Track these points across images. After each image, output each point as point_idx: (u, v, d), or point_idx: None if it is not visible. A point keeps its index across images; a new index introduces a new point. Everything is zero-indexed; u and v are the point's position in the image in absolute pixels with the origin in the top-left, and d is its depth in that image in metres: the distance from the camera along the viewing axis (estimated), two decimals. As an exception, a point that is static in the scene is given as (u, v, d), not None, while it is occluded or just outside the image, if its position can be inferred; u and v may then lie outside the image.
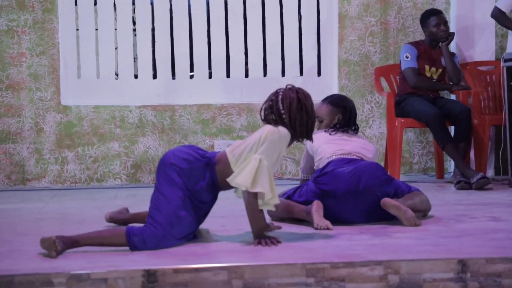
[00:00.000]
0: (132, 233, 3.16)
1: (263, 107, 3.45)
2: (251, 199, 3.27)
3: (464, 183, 5.33)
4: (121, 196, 5.29)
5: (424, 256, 3.03)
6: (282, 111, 3.38)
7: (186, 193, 3.27)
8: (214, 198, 3.41)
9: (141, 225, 3.25)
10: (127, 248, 3.16)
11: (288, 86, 3.48)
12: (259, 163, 3.26)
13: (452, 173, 5.91)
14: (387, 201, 3.76)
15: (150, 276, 2.86)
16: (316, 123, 4.24)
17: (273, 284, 2.91)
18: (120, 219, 3.83)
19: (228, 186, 3.36)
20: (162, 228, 3.19)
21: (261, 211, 3.34)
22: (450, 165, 6.23)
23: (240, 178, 3.26)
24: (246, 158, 3.30)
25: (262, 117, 3.44)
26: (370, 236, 3.54)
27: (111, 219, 3.86)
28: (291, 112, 3.38)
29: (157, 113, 6.12)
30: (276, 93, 3.47)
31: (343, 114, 4.19)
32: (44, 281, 2.79)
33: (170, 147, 6.08)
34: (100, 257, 3.06)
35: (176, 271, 2.88)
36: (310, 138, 3.48)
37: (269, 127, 3.36)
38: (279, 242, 3.32)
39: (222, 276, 2.89)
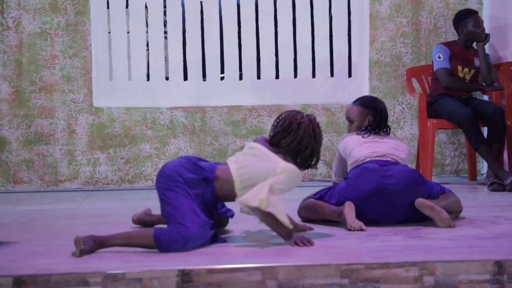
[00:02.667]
0: (160, 234, 3.16)
1: (278, 129, 3.43)
2: (264, 213, 3.26)
3: (497, 185, 5.28)
4: (152, 198, 5.30)
5: (460, 257, 3.00)
6: (299, 147, 3.40)
7: (192, 196, 3.28)
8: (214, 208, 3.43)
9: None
10: (155, 249, 3.17)
11: (308, 120, 3.44)
12: (270, 186, 3.26)
13: (485, 175, 5.85)
14: (421, 202, 3.74)
15: (185, 276, 2.86)
16: (347, 124, 4.24)
17: (307, 284, 2.90)
18: (148, 220, 3.84)
19: (228, 199, 3.38)
20: (186, 227, 3.19)
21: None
22: (482, 166, 6.17)
23: (251, 198, 3.26)
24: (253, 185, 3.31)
25: (272, 135, 3.43)
26: (404, 237, 3.51)
27: (138, 220, 3.87)
28: (306, 150, 3.41)
29: (188, 114, 6.14)
30: (298, 123, 3.43)
31: (374, 116, 4.16)
32: (80, 281, 2.80)
33: (201, 149, 6.10)
34: (134, 257, 3.07)
35: (211, 271, 2.88)
36: (306, 168, 3.48)
37: (287, 164, 3.35)
38: (311, 243, 3.31)
39: (256, 277, 2.88)
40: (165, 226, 3.32)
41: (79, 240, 3.05)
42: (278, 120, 3.49)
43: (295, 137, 3.41)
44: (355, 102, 4.28)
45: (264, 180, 3.29)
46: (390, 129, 4.23)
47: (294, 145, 3.41)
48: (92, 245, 3.09)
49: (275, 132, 3.45)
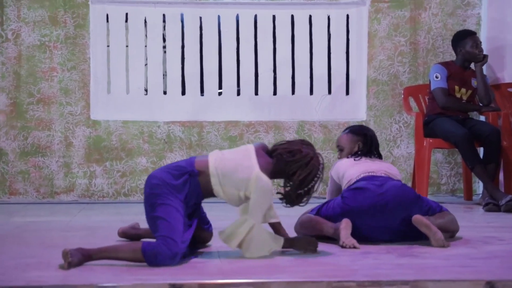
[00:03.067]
0: (148, 248, 3.15)
1: (286, 154, 3.43)
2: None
3: (492, 205, 5.28)
4: (147, 211, 5.29)
5: (452, 276, 3.00)
6: (301, 182, 3.41)
7: (178, 202, 3.29)
8: (197, 204, 3.45)
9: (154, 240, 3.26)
10: (144, 263, 3.16)
11: (319, 161, 3.46)
12: (250, 229, 3.32)
13: (480, 195, 5.85)
14: (418, 219, 3.73)
15: (176, 290, 2.86)
16: (338, 152, 4.28)
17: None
18: (133, 234, 3.83)
19: (210, 195, 3.41)
20: (174, 241, 3.18)
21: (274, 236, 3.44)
22: (478, 186, 6.18)
23: (233, 242, 3.34)
24: (225, 185, 3.34)
25: (279, 155, 3.44)
26: (396, 255, 3.51)
27: (124, 234, 3.86)
28: (304, 185, 3.43)
29: (185, 129, 6.15)
30: (309, 159, 3.43)
31: (363, 142, 4.20)
32: (70, 293, 2.80)
33: (198, 163, 6.10)
34: (126, 270, 3.06)
35: (202, 286, 2.88)
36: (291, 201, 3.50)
37: (260, 176, 3.35)
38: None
39: (247, 292, 2.88)
40: (151, 239, 3.32)
41: (67, 253, 3.05)
42: (293, 149, 3.46)
43: (302, 172, 3.41)
44: (344, 131, 4.32)
45: (236, 180, 3.32)
46: (381, 156, 4.25)
47: (299, 179, 3.41)
48: (80, 257, 3.09)
49: (285, 158, 3.44)
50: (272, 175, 3.42)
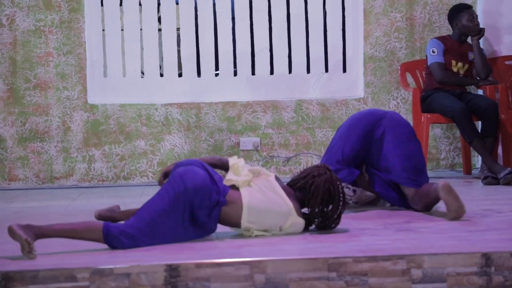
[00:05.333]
0: (109, 230, 3.12)
1: (307, 185, 3.43)
2: None
3: (491, 178, 5.28)
4: (147, 194, 5.25)
5: (448, 250, 3.01)
6: (321, 212, 3.41)
7: (185, 209, 3.24)
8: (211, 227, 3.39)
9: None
10: (101, 244, 3.13)
11: (335, 183, 3.43)
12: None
13: (479, 169, 5.85)
14: (448, 187, 3.73)
15: (173, 271, 2.87)
16: None
17: (295, 278, 2.91)
18: (108, 216, 3.75)
19: (229, 224, 3.38)
20: (139, 228, 3.15)
21: None
22: (477, 160, 6.17)
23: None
24: (255, 222, 3.35)
25: (291, 183, 3.45)
26: (394, 231, 3.52)
27: (99, 216, 3.78)
28: (316, 211, 3.42)
29: (182, 111, 6.14)
30: (328, 188, 3.41)
31: None
32: (67, 276, 2.81)
33: (196, 145, 6.10)
34: (122, 252, 3.08)
35: (199, 265, 2.89)
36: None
37: (297, 221, 3.38)
38: None
39: (244, 271, 2.89)
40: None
41: (29, 242, 2.95)
42: (307, 178, 3.45)
43: (325, 198, 3.40)
44: None
45: (269, 221, 3.33)
46: None
47: (326, 206, 3.41)
48: (33, 237, 3.03)
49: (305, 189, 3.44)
50: (301, 206, 3.44)
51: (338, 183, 3.42)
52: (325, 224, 3.43)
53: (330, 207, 3.40)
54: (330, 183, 3.39)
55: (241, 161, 3.44)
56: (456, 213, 3.72)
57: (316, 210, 3.39)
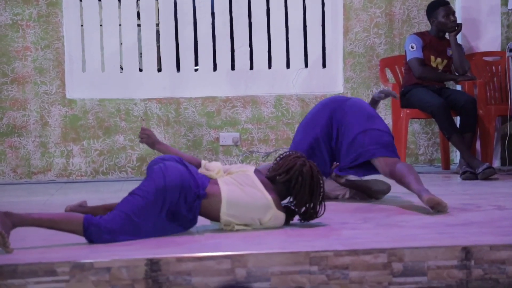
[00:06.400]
0: (90, 222, 3.10)
1: (280, 170, 3.42)
2: None
3: (469, 173, 5.31)
4: (126, 189, 5.20)
5: (428, 243, 3.02)
6: (297, 199, 3.39)
7: (165, 205, 3.23)
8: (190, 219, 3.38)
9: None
10: (77, 236, 3.10)
11: (311, 167, 3.41)
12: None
13: (457, 164, 5.89)
14: (431, 199, 3.76)
15: (153, 265, 2.86)
16: None
17: (276, 272, 2.90)
18: (80, 211, 3.74)
19: (209, 217, 3.38)
20: (119, 223, 3.14)
21: None
22: (456, 156, 6.21)
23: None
24: (234, 215, 3.33)
25: (272, 177, 3.42)
26: (374, 224, 3.53)
27: (71, 210, 3.77)
28: (304, 202, 3.39)
29: (162, 106, 6.12)
30: (300, 172, 3.39)
31: None
32: (47, 270, 2.79)
33: (176, 140, 6.08)
34: (103, 246, 3.06)
35: (180, 259, 2.88)
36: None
37: (277, 215, 3.37)
38: None
39: (225, 265, 2.89)
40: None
41: (3, 235, 2.92)
42: (281, 167, 3.43)
43: (303, 184, 3.38)
44: None
45: (249, 215, 3.32)
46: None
47: (305, 192, 3.38)
48: (10, 226, 3.00)
49: (280, 179, 3.42)
50: (281, 199, 3.42)
51: (312, 168, 3.40)
52: (313, 212, 3.41)
53: (315, 194, 3.38)
54: (311, 171, 3.38)
55: (216, 164, 3.44)
56: (441, 210, 3.76)
57: (305, 198, 3.36)
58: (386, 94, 4.68)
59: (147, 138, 3.65)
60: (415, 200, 4.01)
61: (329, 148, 4.27)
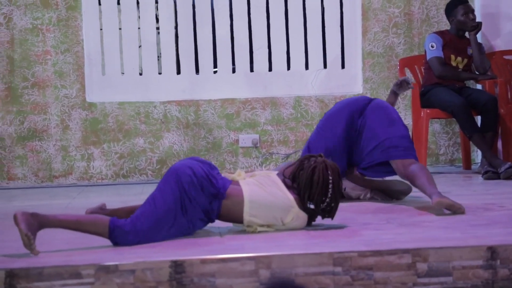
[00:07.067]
0: (115, 225, 3.10)
1: (297, 173, 3.40)
2: None
3: (491, 173, 5.28)
4: (147, 192, 5.21)
5: (453, 243, 3.00)
6: (321, 199, 3.36)
7: (185, 201, 3.22)
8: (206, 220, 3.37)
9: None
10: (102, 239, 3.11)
11: (324, 166, 3.37)
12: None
13: (479, 164, 5.85)
14: (441, 202, 3.72)
15: (178, 267, 2.86)
16: None
17: (300, 273, 2.90)
18: (101, 214, 3.75)
19: (230, 220, 3.37)
20: (144, 224, 3.14)
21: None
22: (477, 155, 6.17)
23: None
24: (256, 215, 3.32)
25: (289, 178, 3.40)
26: (397, 225, 3.52)
27: (92, 213, 3.77)
28: (320, 201, 3.37)
29: (181, 108, 6.13)
30: (313, 171, 3.36)
31: None
32: (72, 273, 2.80)
33: (195, 142, 6.09)
34: (127, 249, 3.07)
35: (204, 261, 2.88)
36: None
37: (299, 214, 3.37)
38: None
39: (249, 266, 2.89)
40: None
41: (29, 237, 2.93)
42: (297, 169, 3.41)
43: (314, 184, 3.35)
44: None
45: (271, 214, 3.31)
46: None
47: (317, 191, 3.35)
48: (37, 227, 3.01)
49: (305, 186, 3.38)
50: (301, 199, 3.40)
51: (326, 164, 3.36)
52: (333, 207, 3.38)
53: (319, 190, 3.36)
54: (315, 166, 3.35)
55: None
56: (457, 212, 3.72)
57: (307, 195, 3.35)
58: (401, 84, 4.66)
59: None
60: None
61: (346, 149, 4.26)
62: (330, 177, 3.33)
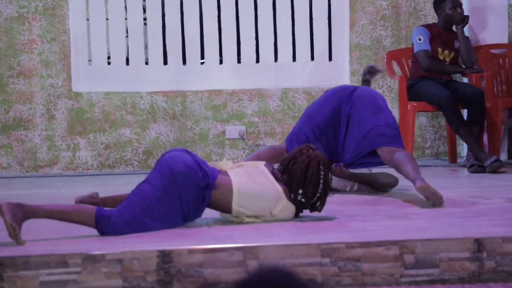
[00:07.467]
0: (102, 214, 3.08)
1: (289, 166, 3.39)
2: None
3: (477, 167, 5.30)
4: (133, 183, 5.18)
5: (440, 235, 3.01)
6: (312, 194, 3.35)
7: (174, 193, 3.21)
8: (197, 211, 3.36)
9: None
10: (88, 228, 3.09)
11: (317, 161, 3.36)
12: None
13: (465, 157, 5.88)
14: (423, 187, 3.73)
15: (165, 257, 2.85)
16: None
17: (288, 264, 2.90)
18: (89, 202, 3.71)
19: (219, 209, 3.36)
20: (130, 214, 3.13)
21: None
22: (462, 149, 6.20)
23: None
24: (245, 206, 3.31)
25: (278, 170, 3.40)
26: (384, 217, 3.52)
27: (81, 202, 3.74)
28: (311, 196, 3.37)
29: (168, 99, 6.11)
30: (307, 163, 3.35)
31: None
32: (59, 262, 2.79)
33: (182, 133, 6.07)
34: (114, 238, 3.05)
35: (191, 251, 2.87)
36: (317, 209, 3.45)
37: (287, 206, 3.36)
38: None
39: (237, 257, 2.88)
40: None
41: (11, 225, 2.91)
42: (289, 161, 3.41)
43: (307, 177, 3.34)
44: None
45: (260, 205, 3.30)
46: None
47: (309, 184, 3.35)
48: (22, 217, 2.99)
49: (290, 173, 3.38)
50: (290, 190, 3.39)
51: (319, 160, 3.36)
52: (321, 202, 3.39)
53: (324, 185, 3.36)
54: (309, 161, 3.35)
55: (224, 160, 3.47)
56: (435, 203, 3.73)
57: (299, 190, 3.34)
58: (370, 71, 4.70)
59: None
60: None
61: (331, 139, 4.26)
62: (322, 173, 3.33)
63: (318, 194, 3.35)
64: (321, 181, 3.33)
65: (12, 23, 5.95)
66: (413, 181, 3.83)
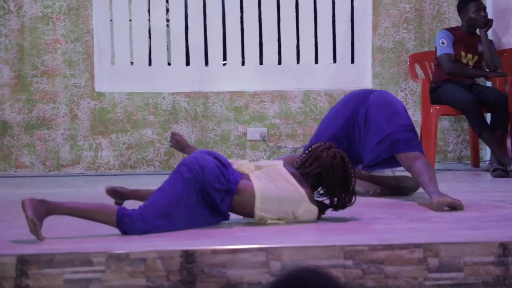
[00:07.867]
0: (123, 213, 3.07)
1: (309, 162, 3.37)
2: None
3: (500, 171, 5.26)
4: (155, 183, 5.23)
5: (464, 239, 2.99)
6: (329, 191, 3.34)
7: (197, 194, 3.21)
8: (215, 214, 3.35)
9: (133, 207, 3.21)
10: (108, 227, 3.09)
11: (341, 159, 3.35)
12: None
13: (488, 162, 5.84)
14: (441, 201, 3.70)
15: (189, 257, 2.85)
16: None
17: (310, 265, 2.89)
18: (119, 191, 3.68)
19: (242, 213, 3.35)
20: (153, 214, 3.12)
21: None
22: (485, 153, 6.16)
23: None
24: (268, 210, 3.30)
25: (301, 170, 3.38)
26: (407, 220, 3.50)
27: (111, 189, 3.69)
28: (336, 193, 3.35)
29: (190, 100, 6.12)
30: (331, 164, 3.33)
31: None
32: (83, 260, 2.79)
33: (203, 134, 6.08)
34: (137, 238, 3.06)
35: (215, 251, 2.87)
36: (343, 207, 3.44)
37: (310, 208, 3.35)
38: None
39: (260, 257, 2.87)
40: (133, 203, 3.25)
41: (35, 223, 2.92)
42: (312, 160, 3.38)
43: (334, 176, 3.33)
44: None
45: (283, 209, 3.30)
46: None
47: (338, 184, 3.34)
48: (45, 213, 3.00)
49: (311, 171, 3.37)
50: (312, 190, 3.38)
51: (347, 159, 3.37)
52: (345, 202, 3.37)
53: (347, 185, 3.35)
54: (342, 161, 3.34)
55: (243, 161, 3.46)
56: (457, 207, 3.71)
57: (337, 190, 3.33)
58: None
59: (176, 142, 3.66)
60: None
61: (351, 142, 4.25)
62: (352, 172, 3.32)
63: (343, 194, 3.33)
64: (348, 180, 3.32)
65: (37, 23, 5.99)
66: (429, 195, 3.83)
